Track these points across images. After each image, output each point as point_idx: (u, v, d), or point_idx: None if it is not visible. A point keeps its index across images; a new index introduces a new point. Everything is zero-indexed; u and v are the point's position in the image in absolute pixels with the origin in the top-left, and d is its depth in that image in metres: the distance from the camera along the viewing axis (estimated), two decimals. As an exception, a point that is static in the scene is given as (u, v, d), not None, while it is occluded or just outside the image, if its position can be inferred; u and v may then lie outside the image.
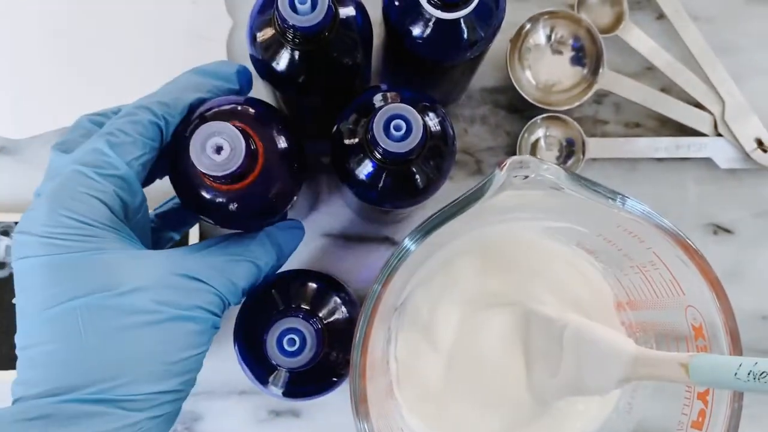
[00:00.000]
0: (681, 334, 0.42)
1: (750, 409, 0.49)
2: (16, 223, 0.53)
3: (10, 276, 0.53)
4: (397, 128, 0.38)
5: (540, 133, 0.56)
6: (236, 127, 0.37)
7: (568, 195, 0.38)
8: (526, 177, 0.38)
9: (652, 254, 0.41)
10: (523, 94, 0.54)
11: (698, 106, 0.56)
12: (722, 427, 0.38)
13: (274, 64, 0.42)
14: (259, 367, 0.42)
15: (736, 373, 0.34)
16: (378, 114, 0.38)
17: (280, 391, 0.42)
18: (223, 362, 0.53)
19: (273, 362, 0.38)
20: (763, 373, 0.34)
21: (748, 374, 0.34)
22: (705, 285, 0.38)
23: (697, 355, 0.37)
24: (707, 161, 0.56)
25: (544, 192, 0.39)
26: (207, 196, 0.41)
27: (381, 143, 0.38)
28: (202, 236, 0.55)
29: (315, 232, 0.56)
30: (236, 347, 0.43)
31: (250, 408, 0.55)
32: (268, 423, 0.55)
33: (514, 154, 0.55)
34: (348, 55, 0.43)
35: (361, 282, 0.56)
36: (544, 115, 0.55)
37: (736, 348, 0.38)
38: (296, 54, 0.41)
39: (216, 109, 0.41)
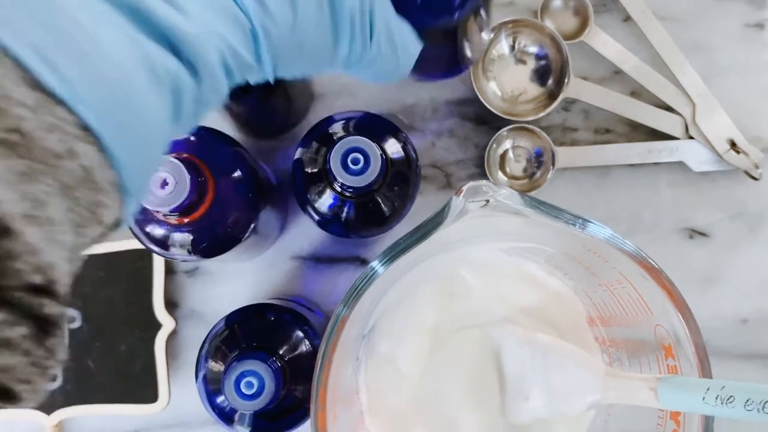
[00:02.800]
0: (652, 351, 0.42)
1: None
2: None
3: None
4: (355, 162, 0.38)
5: (508, 144, 0.55)
6: (183, 159, 0.36)
7: (528, 217, 0.37)
8: (486, 203, 0.37)
9: (618, 273, 0.40)
10: (489, 107, 0.53)
11: (669, 109, 0.55)
12: (694, 449, 0.37)
13: None
14: (224, 405, 0.41)
15: (704, 398, 0.34)
16: (334, 148, 0.37)
17: (246, 431, 0.41)
18: (196, 392, 0.53)
19: (232, 406, 0.37)
20: (730, 397, 0.33)
21: (716, 399, 0.33)
22: (669, 303, 0.38)
23: (665, 378, 0.36)
24: (680, 165, 0.55)
25: (505, 215, 0.38)
26: (160, 229, 0.40)
27: (339, 177, 0.38)
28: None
29: (284, 254, 0.55)
30: (198, 385, 0.42)
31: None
32: (245, 451, 0.54)
33: (483, 165, 0.54)
34: None
35: (332, 304, 0.55)
36: (510, 126, 0.54)
37: (704, 369, 0.37)
38: None
39: None
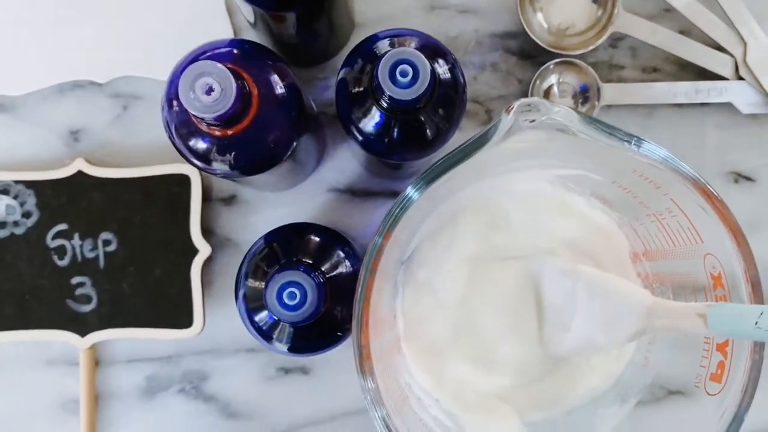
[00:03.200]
0: (699, 285, 0.41)
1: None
2: (15, 181, 0.52)
3: (10, 236, 0.52)
4: (404, 74, 0.36)
5: (553, 79, 0.53)
6: (228, 68, 0.35)
7: (581, 140, 0.36)
8: (534, 120, 0.36)
9: (669, 201, 0.39)
10: (535, 39, 0.52)
11: (719, 48, 0.54)
12: (742, 379, 0.36)
13: None
14: (263, 323, 0.41)
15: (756, 322, 0.33)
16: (383, 59, 0.36)
17: (285, 347, 0.41)
18: (230, 319, 0.53)
19: (274, 317, 0.37)
20: (785, 321, 0.32)
21: (771, 323, 0.32)
22: (725, 231, 0.37)
23: (715, 305, 0.36)
24: (728, 106, 0.54)
25: (554, 137, 0.37)
26: (203, 143, 0.39)
27: (387, 90, 0.37)
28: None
29: (321, 186, 0.55)
30: (238, 303, 0.42)
31: (259, 366, 0.54)
32: (277, 380, 0.54)
33: (526, 102, 0.53)
34: None
35: (367, 238, 0.54)
36: (557, 60, 0.53)
37: (757, 297, 0.37)
38: None
39: (209, 52, 0.40)
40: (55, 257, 0.52)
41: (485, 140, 0.36)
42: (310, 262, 0.40)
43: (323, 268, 0.40)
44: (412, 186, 0.37)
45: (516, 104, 0.36)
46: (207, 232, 0.53)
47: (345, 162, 0.55)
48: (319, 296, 0.36)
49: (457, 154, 0.37)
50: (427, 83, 0.36)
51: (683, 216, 0.39)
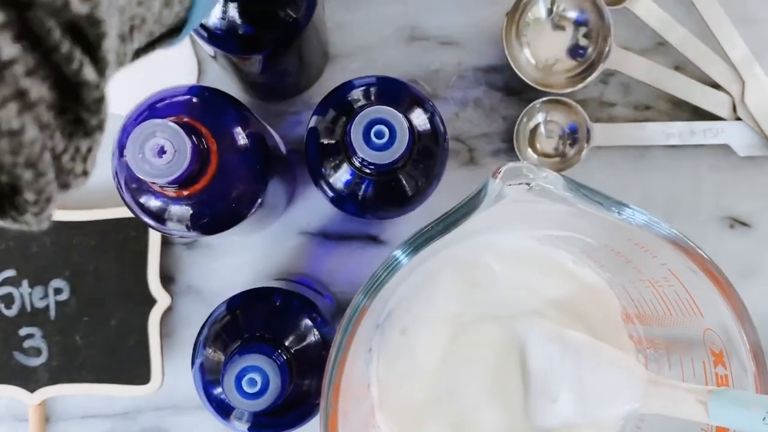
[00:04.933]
0: (698, 354, 0.38)
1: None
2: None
3: (-47, 284, 0.48)
4: (379, 135, 0.33)
5: (540, 118, 0.50)
6: (183, 124, 0.32)
7: (571, 203, 0.33)
8: (528, 186, 0.33)
9: (665, 270, 0.36)
10: (521, 75, 0.49)
11: (715, 86, 0.50)
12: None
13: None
14: (222, 399, 0.37)
15: (765, 418, 0.30)
16: (356, 119, 0.33)
17: (245, 427, 0.37)
18: (191, 373, 0.49)
19: (232, 405, 0.33)
20: (800, 420, 0.29)
21: (779, 420, 0.29)
22: (721, 299, 0.33)
23: (718, 391, 0.33)
24: (724, 148, 0.51)
25: (544, 200, 0.33)
26: (156, 201, 0.36)
27: (360, 152, 0.33)
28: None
29: (291, 229, 0.51)
30: (194, 373, 0.38)
31: (221, 424, 0.50)
32: (242, 438, 0.50)
33: (511, 141, 0.50)
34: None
35: (341, 284, 0.51)
36: (544, 98, 0.49)
37: (762, 376, 0.33)
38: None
39: (162, 103, 0.36)
40: (2, 306, 0.48)
41: (474, 206, 0.33)
42: (274, 337, 0.37)
43: (288, 343, 0.37)
44: (401, 251, 0.33)
45: (503, 169, 0.32)
46: (167, 279, 0.50)
47: (317, 203, 0.51)
48: (282, 380, 0.33)
49: (447, 219, 0.33)
50: (405, 145, 0.33)
51: (681, 286, 0.36)
